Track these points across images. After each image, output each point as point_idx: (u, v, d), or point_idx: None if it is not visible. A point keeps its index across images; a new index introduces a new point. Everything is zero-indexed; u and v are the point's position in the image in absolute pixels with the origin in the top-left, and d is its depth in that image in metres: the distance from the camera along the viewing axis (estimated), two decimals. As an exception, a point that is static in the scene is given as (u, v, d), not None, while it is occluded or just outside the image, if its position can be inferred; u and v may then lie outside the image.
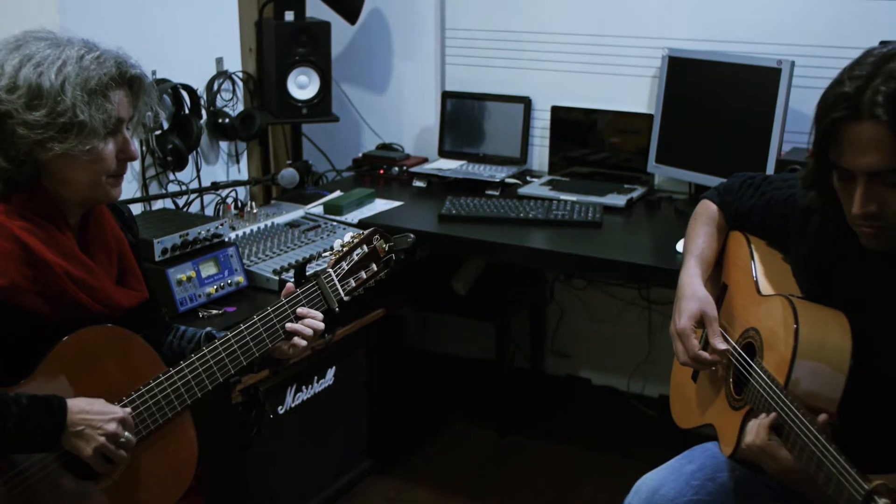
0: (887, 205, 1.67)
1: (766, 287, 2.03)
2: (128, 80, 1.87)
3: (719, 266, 2.24)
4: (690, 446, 2.18)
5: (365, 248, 2.11)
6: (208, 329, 2.14)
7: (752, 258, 2.10)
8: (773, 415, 1.74)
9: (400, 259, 2.14)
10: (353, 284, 2.09)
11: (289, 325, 2.02)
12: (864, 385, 1.75)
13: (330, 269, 2.08)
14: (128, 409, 1.87)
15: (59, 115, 1.77)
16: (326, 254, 2.99)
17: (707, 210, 2.25)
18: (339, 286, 2.08)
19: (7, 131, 1.78)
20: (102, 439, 1.80)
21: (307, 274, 2.14)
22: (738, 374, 1.98)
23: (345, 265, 2.09)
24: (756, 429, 1.76)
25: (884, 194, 1.66)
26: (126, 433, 1.84)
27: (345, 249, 2.10)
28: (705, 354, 2.03)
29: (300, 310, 2.04)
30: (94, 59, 1.82)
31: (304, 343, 2.04)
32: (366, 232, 2.14)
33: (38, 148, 1.80)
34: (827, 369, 1.77)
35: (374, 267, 2.12)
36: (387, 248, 2.13)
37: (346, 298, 2.08)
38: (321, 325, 2.05)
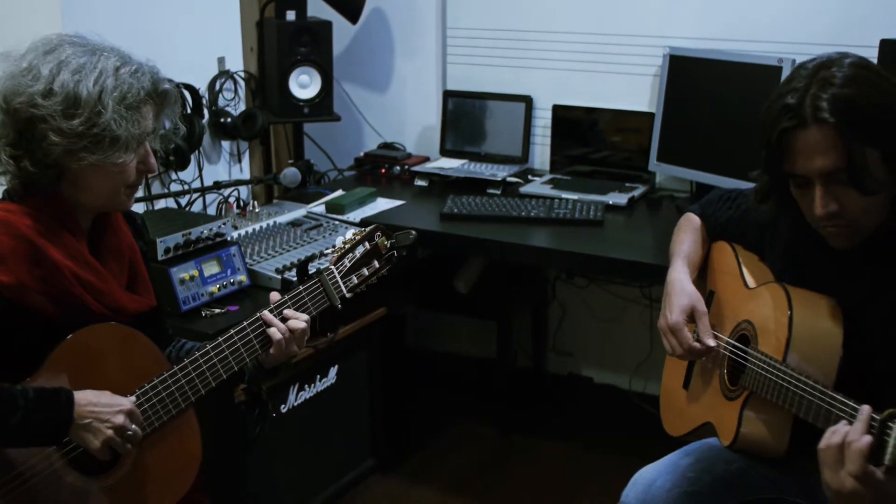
0: (846, 203, 1.76)
1: (753, 283, 2.09)
2: (159, 94, 1.88)
3: (703, 276, 2.29)
4: (687, 443, 2.20)
5: (367, 244, 2.11)
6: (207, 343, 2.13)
7: (738, 261, 2.17)
8: (869, 439, 1.59)
9: (402, 255, 2.15)
10: (356, 281, 2.09)
11: (269, 319, 2.01)
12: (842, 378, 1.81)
13: (332, 266, 2.08)
14: (134, 400, 1.87)
15: (95, 126, 1.78)
16: (329, 251, 3.02)
17: (691, 221, 2.34)
18: (341, 283, 2.08)
19: (38, 136, 1.77)
20: (110, 432, 1.80)
21: (310, 272, 2.13)
22: (732, 366, 2.03)
23: (347, 262, 2.09)
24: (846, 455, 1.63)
25: (841, 193, 1.75)
26: (133, 426, 1.84)
27: (347, 246, 2.10)
28: (698, 345, 2.08)
29: (287, 312, 2.03)
30: (131, 72, 1.82)
31: (279, 336, 2.01)
32: (368, 229, 2.14)
33: (68, 156, 1.80)
34: (821, 349, 1.84)
35: (377, 263, 2.12)
36: (389, 245, 2.14)
37: (348, 295, 2.08)
38: (301, 325, 2.02)
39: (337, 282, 2.08)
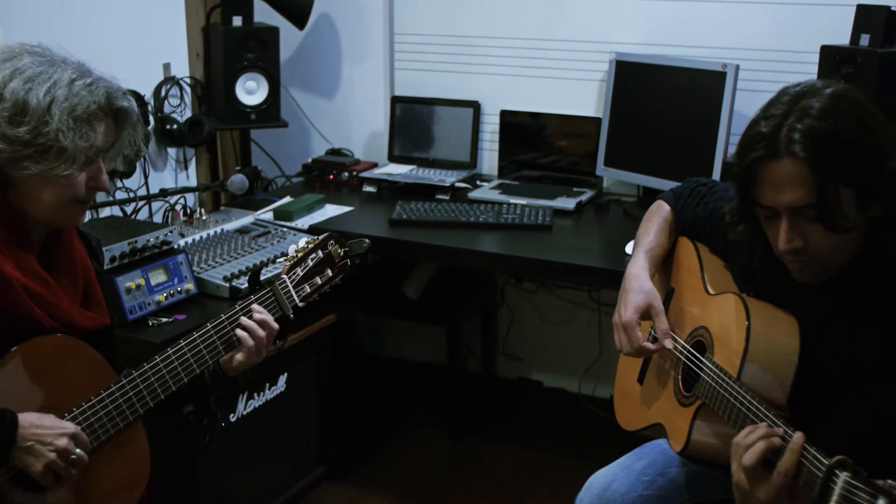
0: (812, 239, 1.70)
1: (713, 289, 2.06)
2: (114, 111, 1.85)
3: (667, 269, 2.27)
4: (638, 445, 2.21)
5: (320, 253, 2.11)
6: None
7: (701, 263, 2.14)
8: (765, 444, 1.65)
9: (355, 264, 2.14)
10: (308, 290, 2.08)
11: (242, 321, 2.00)
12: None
13: (284, 276, 2.07)
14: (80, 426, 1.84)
15: (41, 136, 1.75)
16: (281, 259, 2.99)
17: (661, 210, 2.27)
18: (293, 292, 2.07)
19: None
20: (53, 455, 1.77)
21: (261, 280, 2.12)
22: (686, 372, 2.01)
23: (299, 271, 2.08)
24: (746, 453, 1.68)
25: (807, 229, 1.69)
26: (78, 450, 1.80)
27: (299, 255, 2.09)
28: (649, 345, 2.06)
29: (254, 306, 2.02)
30: (84, 85, 1.79)
31: (252, 344, 2.01)
32: (320, 237, 2.13)
33: (12, 164, 1.77)
34: (777, 364, 1.80)
35: (330, 272, 2.11)
36: (342, 253, 2.13)
37: (301, 305, 2.07)
38: (275, 325, 2.03)
39: (289, 291, 2.06)
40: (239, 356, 2.03)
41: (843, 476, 1.48)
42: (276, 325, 2.04)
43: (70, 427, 1.81)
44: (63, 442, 1.78)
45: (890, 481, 1.39)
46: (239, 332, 2.01)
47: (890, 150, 1.67)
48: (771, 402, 1.76)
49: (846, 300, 1.77)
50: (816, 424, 1.70)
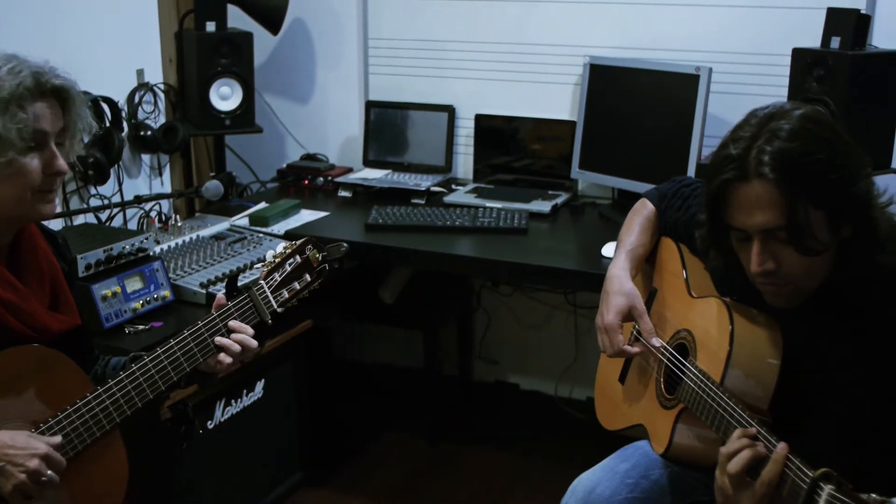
0: (784, 262, 1.70)
1: (696, 292, 2.06)
2: (50, 91, 1.83)
3: (650, 269, 2.27)
4: (620, 447, 2.21)
5: (298, 258, 2.10)
6: (133, 353, 2.08)
7: (684, 265, 2.13)
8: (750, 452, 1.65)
9: (334, 268, 2.14)
10: (287, 296, 2.08)
11: (218, 340, 1.99)
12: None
13: (262, 281, 2.06)
14: (56, 439, 1.81)
15: None
16: (259, 265, 2.99)
17: (646, 209, 2.27)
18: (271, 298, 2.06)
19: None
20: (23, 477, 1.74)
21: (239, 286, 2.11)
22: (669, 374, 2.01)
23: (277, 276, 2.07)
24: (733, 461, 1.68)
25: (779, 251, 1.69)
26: (49, 471, 1.77)
27: (277, 260, 2.09)
28: (629, 348, 2.08)
29: (232, 323, 2.02)
30: (9, 69, 1.78)
31: (229, 360, 2.01)
32: (298, 242, 2.13)
33: None
34: (760, 368, 1.80)
35: (308, 277, 2.11)
36: (320, 258, 2.12)
37: (279, 310, 2.07)
38: (253, 343, 2.02)
39: (267, 297, 2.06)
40: (212, 362, 2.01)
41: (827, 489, 1.48)
42: (254, 344, 2.02)
43: (42, 448, 1.78)
44: (34, 463, 1.75)
45: (874, 495, 1.40)
46: (218, 340, 2.00)
47: (858, 170, 1.67)
48: (753, 406, 1.76)
49: (820, 322, 1.78)
50: (799, 436, 1.71)
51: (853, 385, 1.72)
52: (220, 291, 2.78)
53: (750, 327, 1.84)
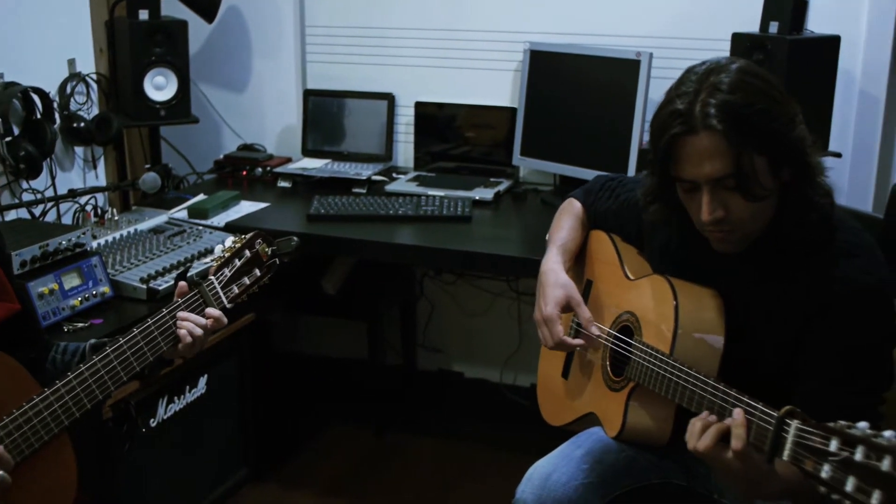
0: (733, 209, 1.77)
1: (634, 275, 2.11)
2: None
3: (581, 263, 2.32)
4: (565, 433, 2.23)
5: (247, 252, 2.06)
6: (92, 340, 2.04)
7: (618, 251, 2.20)
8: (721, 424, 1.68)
9: (284, 262, 2.10)
10: (237, 291, 2.04)
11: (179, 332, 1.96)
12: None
13: (212, 276, 2.02)
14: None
15: None
16: (202, 259, 2.93)
17: (572, 207, 2.35)
18: (221, 294, 2.02)
19: None
20: None
21: (188, 281, 2.06)
22: (615, 357, 2.06)
23: (227, 271, 2.03)
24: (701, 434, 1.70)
25: (728, 199, 1.77)
26: (0, 472, 1.73)
27: (227, 255, 2.04)
28: (569, 339, 2.12)
29: (181, 314, 1.97)
30: None
31: (190, 340, 1.97)
32: (247, 236, 2.09)
33: None
34: (706, 339, 1.87)
35: (258, 272, 2.07)
36: (270, 252, 2.09)
37: (229, 306, 2.03)
38: (199, 332, 1.98)
39: (217, 292, 2.01)
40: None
41: (794, 423, 1.52)
42: (200, 332, 1.98)
43: None
44: None
45: (841, 422, 1.43)
46: (179, 332, 1.96)
47: (794, 117, 1.76)
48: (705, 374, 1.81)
49: (767, 264, 1.86)
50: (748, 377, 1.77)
51: (806, 322, 1.79)
52: (160, 286, 2.73)
53: (693, 299, 1.91)
